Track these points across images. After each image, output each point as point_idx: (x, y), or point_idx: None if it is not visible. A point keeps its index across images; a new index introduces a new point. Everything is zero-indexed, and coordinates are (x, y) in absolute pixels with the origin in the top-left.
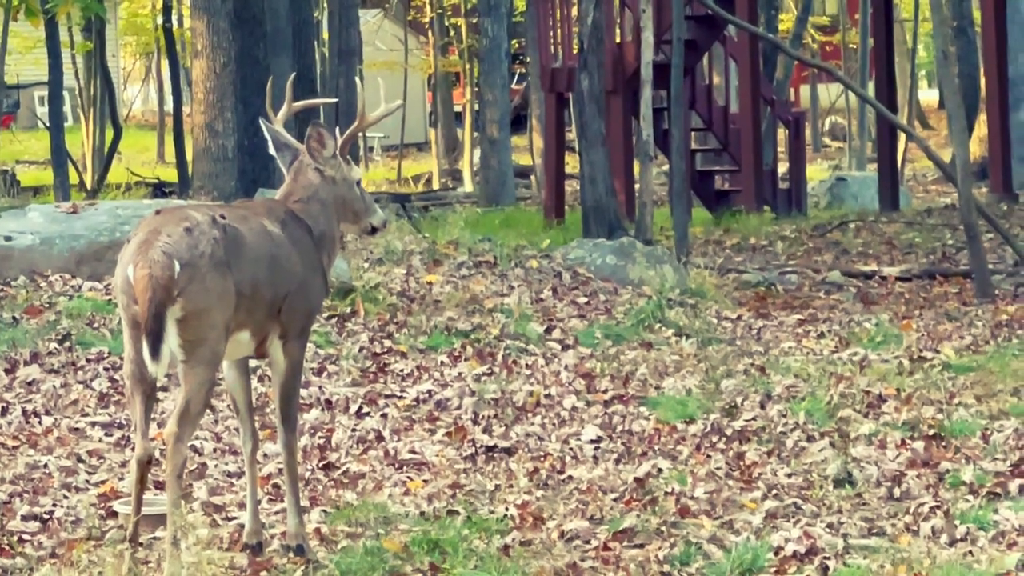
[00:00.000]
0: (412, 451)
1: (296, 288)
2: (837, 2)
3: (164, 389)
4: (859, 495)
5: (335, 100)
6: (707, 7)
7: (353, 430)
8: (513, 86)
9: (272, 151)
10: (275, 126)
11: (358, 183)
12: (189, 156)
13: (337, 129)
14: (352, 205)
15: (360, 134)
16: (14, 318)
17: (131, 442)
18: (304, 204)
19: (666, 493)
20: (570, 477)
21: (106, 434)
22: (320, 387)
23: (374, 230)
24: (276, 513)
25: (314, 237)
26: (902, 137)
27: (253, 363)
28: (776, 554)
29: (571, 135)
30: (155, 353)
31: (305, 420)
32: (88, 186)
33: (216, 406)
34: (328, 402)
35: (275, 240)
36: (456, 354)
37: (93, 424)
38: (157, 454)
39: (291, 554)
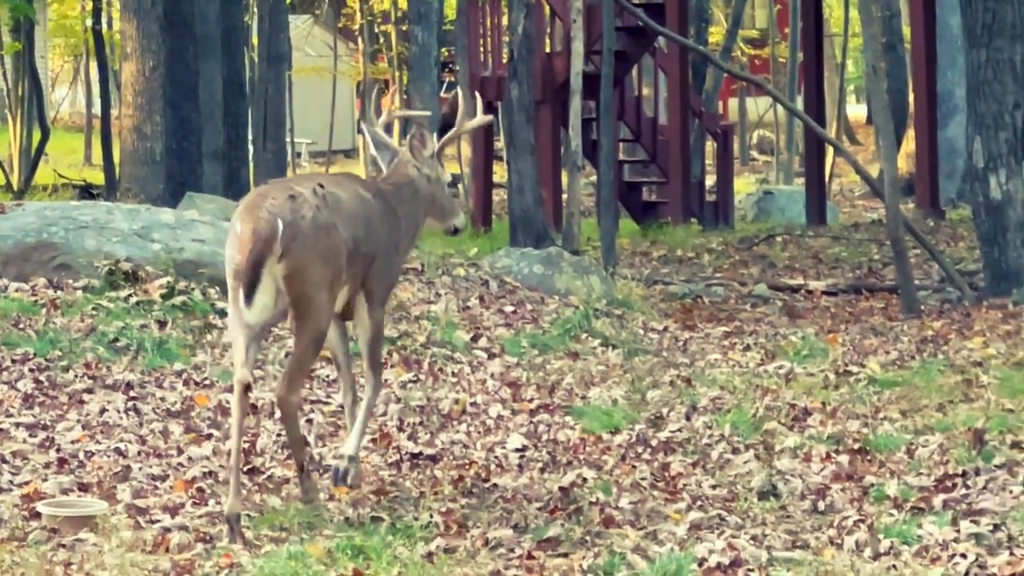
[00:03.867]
0: (337, 457)
1: (381, 254)
2: (767, 16)
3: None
4: (783, 508)
5: (428, 113)
6: (637, 18)
7: (278, 435)
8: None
9: (373, 151)
10: (375, 129)
11: (449, 184)
12: (116, 159)
13: (290, 133)
14: (441, 204)
15: (289, 140)
16: None
17: (56, 443)
18: (395, 188)
19: (591, 503)
20: (495, 485)
21: (30, 435)
22: None
23: (456, 230)
24: (200, 516)
25: (399, 216)
26: (830, 151)
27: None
28: (700, 565)
29: (499, 144)
30: (249, 300)
31: (230, 424)
32: (15, 187)
33: (141, 408)
34: (254, 407)
35: (367, 204)
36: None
37: (17, 425)
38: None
39: (335, 473)
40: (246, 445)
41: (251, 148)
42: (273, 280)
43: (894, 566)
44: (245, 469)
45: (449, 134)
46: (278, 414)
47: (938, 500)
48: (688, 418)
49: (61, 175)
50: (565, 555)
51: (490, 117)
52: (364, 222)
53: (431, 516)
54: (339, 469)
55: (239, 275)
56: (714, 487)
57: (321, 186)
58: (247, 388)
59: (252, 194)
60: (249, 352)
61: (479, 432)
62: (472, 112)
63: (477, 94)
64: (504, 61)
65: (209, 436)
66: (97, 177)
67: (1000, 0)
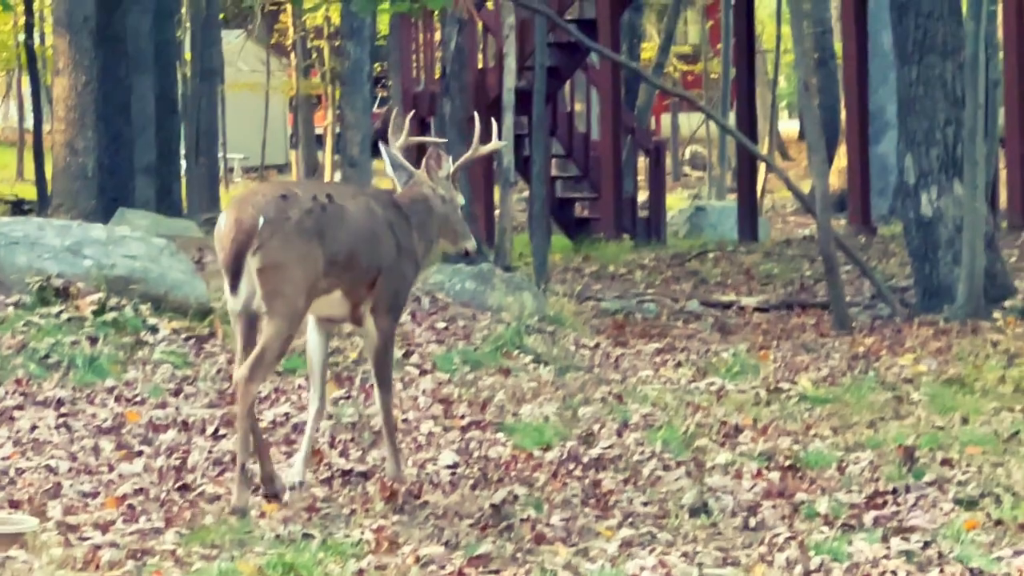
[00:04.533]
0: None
1: (390, 266)
2: (700, 32)
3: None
4: (714, 525)
5: (444, 140)
6: (570, 34)
7: (210, 451)
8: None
9: (389, 171)
10: (393, 150)
11: (461, 207)
12: (49, 174)
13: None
14: (454, 225)
15: (221, 155)
16: None
17: None
18: (410, 203)
19: (522, 520)
20: (426, 502)
21: None
22: (177, 408)
23: (467, 253)
24: (131, 533)
25: (412, 228)
26: (762, 167)
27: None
28: None
29: None
30: (234, 288)
31: (161, 441)
32: None
33: (72, 425)
34: (185, 423)
35: (376, 218)
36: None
37: None
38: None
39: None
40: (177, 462)
41: (183, 163)
42: (255, 274)
43: None
44: (176, 486)
45: (464, 157)
46: (209, 431)
47: (869, 517)
48: (619, 435)
49: None
50: (496, 572)
51: (504, 143)
52: (369, 235)
53: (362, 533)
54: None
55: (224, 265)
56: (645, 504)
57: (329, 196)
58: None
59: (248, 189)
60: (247, 345)
61: (411, 449)
62: (487, 136)
63: (477, 117)
64: (437, 77)
65: (140, 453)
66: (29, 192)
67: (931, 17)
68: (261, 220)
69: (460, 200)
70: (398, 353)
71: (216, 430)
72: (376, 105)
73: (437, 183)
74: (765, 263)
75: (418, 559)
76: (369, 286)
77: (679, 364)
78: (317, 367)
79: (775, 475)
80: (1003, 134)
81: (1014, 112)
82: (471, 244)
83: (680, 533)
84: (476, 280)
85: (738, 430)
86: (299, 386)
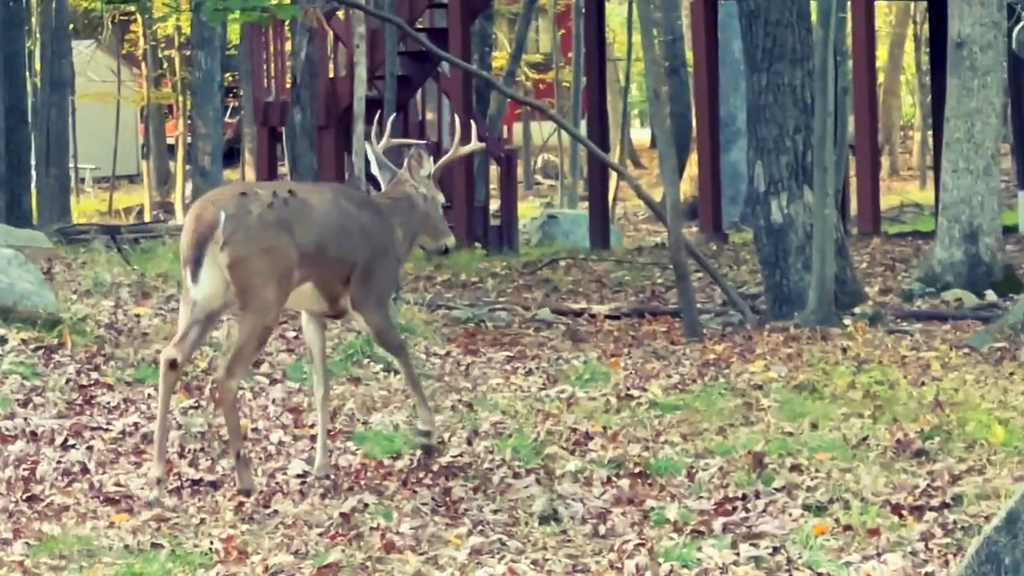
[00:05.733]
0: (117, 484)
1: (364, 262)
2: (551, 40)
3: None
4: (564, 532)
5: (424, 142)
6: (420, 43)
7: (58, 462)
8: (226, 119)
9: (374, 170)
10: (376, 150)
11: (441, 206)
12: None
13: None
14: (434, 223)
15: (72, 165)
16: None
17: None
18: (392, 202)
19: (372, 528)
20: (276, 511)
21: None
22: (25, 419)
23: (447, 250)
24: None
25: (393, 226)
26: (614, 176)
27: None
28: None
29: (284, 169)
30: (195, 278)
31: (10, 452)
32: None
33: None
34: (33, 434)
35: (344, 212)
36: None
37: None
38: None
39: (425, 451)
40: (25, 473)
41: (34, 174)
42: (218, 267)
43: None
44: (25, 497)
45: (445, 157)
46: (58, 441)
47: (718, 523)
48: (469, 443)
49: None
50: None
51: (483, 144)
52: (337, 229)
53: (211, 543)
54: (427, 446)
55: (185, 258)
56: (495, 512)
57: (290, 191)
58: (172, 364)
59: (215, 189)
60: (190, 332)
61: (260, 458)
62: (466, 138)
63: (458, 119)
64: (288, 86)
65: None
66: None
67: (780, 25)
68: (222, 216)
69: (440, 198)
70: None
71: (65, 440)
72: (228, 115)
73: (419, 181)
74: (617, 271)
75: (267, 568)
76: (343, 281)
77: (530, 372)
78: (317, 356)
79: (625, 482)
80: (852, 141)
81: (864, 119)
82: (451, 241)
83: (530, 541)
84: None
85: (588, 437)
86: (148, 396)
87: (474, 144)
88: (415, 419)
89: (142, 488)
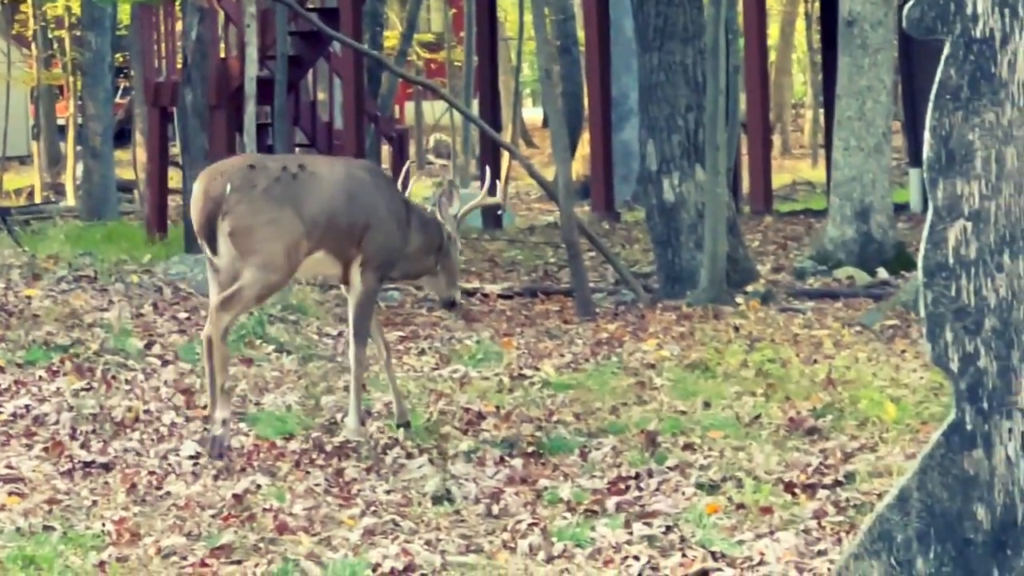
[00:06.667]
0: (8, 466)
1: (376, 223)
2: (442, 20)
3: None
4: (457, 512)
5: (498, 203)
6: (311, 23)
7: None
8: (117, 100)
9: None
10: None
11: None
12: None
13: None
14: (453, 266)
15: None
16: None
17: None
18: (424, 212)
19: (264, 509)
20: (168, 493)
21: None
22: None
23: (454, 303)
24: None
25: (408, 216)
26: (506, 155)
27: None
28: (374, 571)
29: (175, 150)
30: (213, 250)
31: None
32: None
33: None
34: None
35: (354, 180)
36: (54, 369)
37: None
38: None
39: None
40: None
41: None
42: (225, 237)
43: (567, 569)
44: None
45: (470, 204)
46: None
47: (611, 502)
48: (362, 423)
49: None
50: (239, 562)
51: (502, 202)
52: (346, 196)
53: (103, 525)
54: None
55: (198, 232)
56: (388, 492)
57: (300, 166)
58: (211, 342)
59: (222, 160)
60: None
61: (152, 440)
62: (492, 190)
63: (489, 171)
64: (179, 66)
65: None
66: None
67: (672, 4)
68: (228, 188)
69: (458, 245)
70: (140, 344)
71: None
72: (119, 95)
73: (446, 220)
74: (509, 250)
75: (160, 550)
76: (356, 244)
77: (422, 352)
78: (373, 330)
79: (518, 462)
80: (744, 120)
81: (755, 98)
82: (458, 295)
83: (423, 521)
84: None
85: (481, 417)
86: (40, 377)
87: (497, 198)
88: (308, 399)
89: (33, 471)
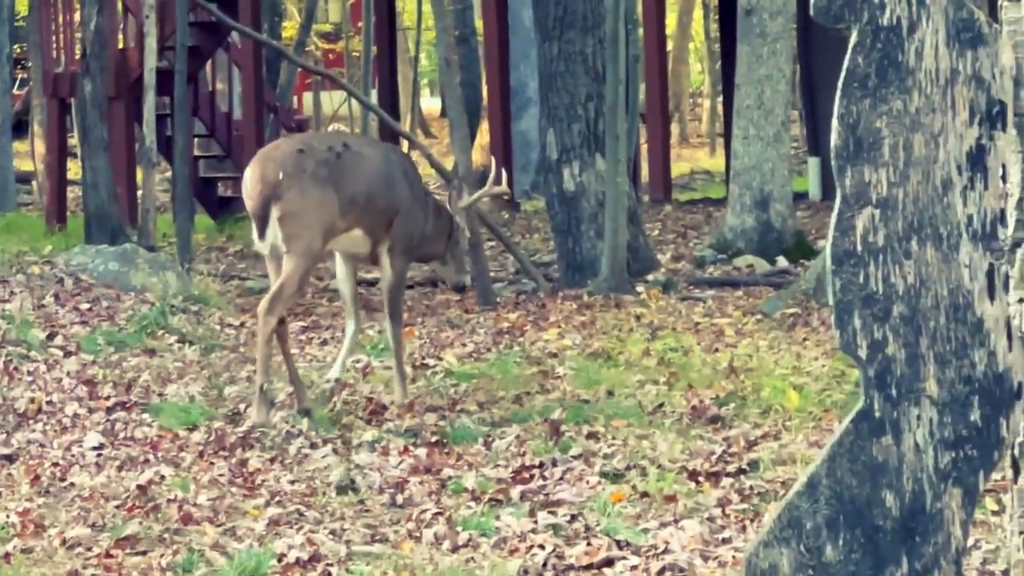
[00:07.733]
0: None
1: (406, 209)
2: (341, 10)
3: None
4: (362, 502)
5: (505, 195)
6: (210, 13)
7: None
8: (15, 91)
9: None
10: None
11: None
12: None
13: None
14: (461, 253)
15: None
16: None
17: None
18: (440, 203)
19: (169, 500)
20: (72, 484)
21: None
22: None
23: (463, 288)
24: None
25: (426, 202)
26: (405, 144)
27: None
28: (279, 561)
29: (74, 141)
30: (261, 235)
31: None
32: None
33: None
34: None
35: (393, 164)
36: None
37: None
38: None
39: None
40: None
41: None
42: (275, 221)
43: (472, 558)
44: None
45: (476, 194)
46: None
47: (516, 491)
48: (267, 413)
49: None
50: (143, 553)
51: (508, 191)
52: (385, 178)
53: (7, 516)
54: (327, 391)
55: (252, 215)
56: (292, 482)
57: (345, 145)
58: (281, 322)
59: (271, 144)
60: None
61: (56, 431)
62: (498, 179)
63: (494, 162)
64: (77, 57)
65: None
66: None
67: None
68: (281, 174)
69: (467, 235)
70: (42, 335)
71: None
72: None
73: (456, 212)
74: None
75: (64, 541)
76: (387, 226)
77: (325, 342)
78: (348, 294)
79: (422, 451)
80: (644, 109)
81: (655, 87)
82: (467, 280)
83: (328, 511)
84: (119, 261)
85: (384, 407)
86: None
87: (504, 187)
88: (211, 390)
89: None
